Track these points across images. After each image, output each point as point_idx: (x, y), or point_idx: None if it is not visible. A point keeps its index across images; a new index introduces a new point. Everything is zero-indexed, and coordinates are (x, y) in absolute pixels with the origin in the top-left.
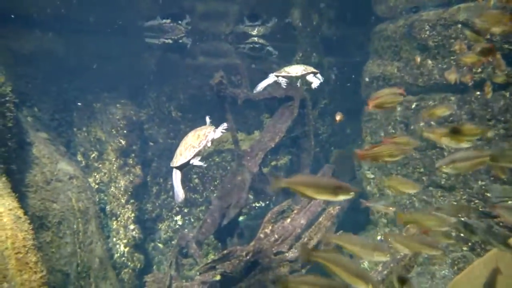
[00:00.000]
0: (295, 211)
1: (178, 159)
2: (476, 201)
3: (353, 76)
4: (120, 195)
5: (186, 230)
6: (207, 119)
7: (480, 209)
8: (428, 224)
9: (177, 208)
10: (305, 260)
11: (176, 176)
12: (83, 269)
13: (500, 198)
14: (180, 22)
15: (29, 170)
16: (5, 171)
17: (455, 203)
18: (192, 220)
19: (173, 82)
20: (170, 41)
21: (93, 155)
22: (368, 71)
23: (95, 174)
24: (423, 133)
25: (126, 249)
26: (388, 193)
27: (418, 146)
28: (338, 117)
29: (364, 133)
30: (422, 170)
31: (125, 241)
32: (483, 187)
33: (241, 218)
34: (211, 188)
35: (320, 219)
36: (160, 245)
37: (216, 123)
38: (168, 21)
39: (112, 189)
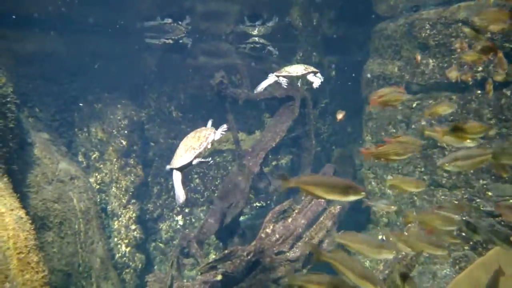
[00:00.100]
0: (296, 211)
1: (179, 160)
2: (478, 200)
3: (353, 75)
4: (121, 195)
5: (187, 230)
6: (209, 123)
7: (482, 208)
8: (436, 224)
9: (178, 208)
10: (317, 260)
11: (177, 177)
12: (84, 269)
13: (502, 197)
14: (180, 22)
15: (30, 170)
16: (6, 172)
17: (456, 202)
18: (193, 220)
19: (173, 82)
20: (171, 41)
21: (94, 155)
22: (369, 70)
23: (96, 175)
24: (425, 132)
25: (128, 249)
26: (388, 192)
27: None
28: (340, 116)
29: (365, 133)
30: (423, 169)
31: (126, 241)
32: (485, 186)
33: (242, 218)
34: (212, 188)
35: (321, 218)
36: (161, 245)
37: (216, 123)
38: (169, 21)
39: (113, 189)
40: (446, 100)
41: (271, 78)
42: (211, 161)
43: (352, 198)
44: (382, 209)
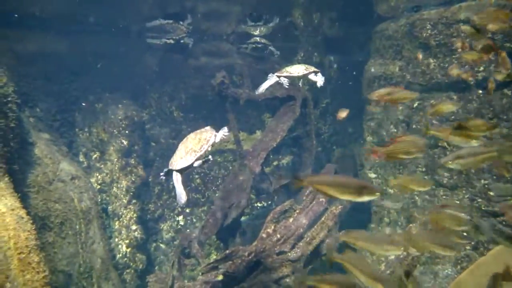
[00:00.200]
0: (297, 211)
1: (179, 162)
2: (479, 200)
3: (354, 73)
4: (122, 196)
5: (188, 230)
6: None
7: (483, 208)
8: (448, 224)
9: (179, 208)
10: (330, 261)
11: (177, 178)
12: (85, 269)
13: (503, 197)
14: (181, 22)
15: (31, 170)
16: (7, 171)
17: (457, 201)
18: (194, 220)
19: (174, 82)
20: (172, 41)
21: (95, 155)
22: (370, 70)
23: (97, 175)
24: (430, 131)
25: (128, 250)
26: (389, 192)
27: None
28: (343, 114)
29: (366, 133)
30: (424, 169)
31: (127, 241)
32: (486, 186)
33: (243, 218)
34: (213, 188)
35: (323, 218)
36: (162, 246)
37: (217, 123)
38: (170, 21)
39: (114, 190)
40: (448, 99)
41: (273, 79)
42: (211, 160)
43: (366, 198)
44: (392, 208)
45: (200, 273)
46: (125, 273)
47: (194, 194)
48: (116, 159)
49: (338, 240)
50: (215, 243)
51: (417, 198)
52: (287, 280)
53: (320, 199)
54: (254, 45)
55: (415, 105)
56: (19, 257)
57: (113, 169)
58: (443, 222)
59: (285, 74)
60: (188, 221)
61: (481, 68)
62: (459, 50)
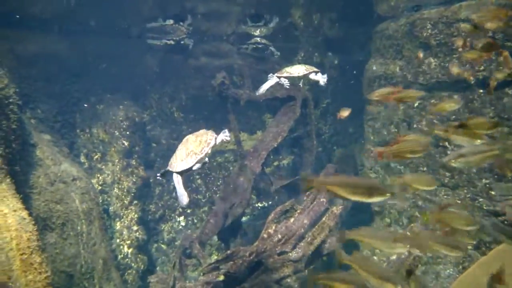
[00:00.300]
0: (298, 211)
1: (179, 164)
2: (481, 199)
3: (354, 73)
4: (123, 196)
5: (189, 231)
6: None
7: (485, 208)
8: (457, 224)
9: (180, 209)
10: (339, 262)
11: (178, 180)
12: (87, 270)
13: (505, 196)
14: (182, 23)
15: (33, 171)
16: (9, 173)
17: (458, 201)
18: (195, 221)
19: (175, 83)
20: (172, 42)
21: (96, 156)
22: (370, 70)
23: (98, 176)
24: (434, 131)
25: (130, 250)
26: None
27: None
28: (345, 113)
29: (367, 132)
30: (425, 168)
31: (128, 242)
32: (487, 185)
33: (244, 218)
34: (214, 188)
35: (324, 218)
36: (164, 246)
37: (218, 123)
38: (170, 22)
39: (115, 190)
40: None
41: (273, 80)
42: (208, 162)
43: (377, 199)
44: (399, 205)
45: (202, 274)
46: (126, 273)
47: (195, 195)
48: (117, 160)
49: (343, 238)
50: (216, 244)
51: (418, 198)
52: (288, 280)
53: (321, 199)
54: (254, 46)
55: (416, 104)
56: (21, 257)
57: (114, 170)
58: (450, 222)
59: (285, 74)
60: (189, 222)
61: (482, 68)
62: (460, 49)
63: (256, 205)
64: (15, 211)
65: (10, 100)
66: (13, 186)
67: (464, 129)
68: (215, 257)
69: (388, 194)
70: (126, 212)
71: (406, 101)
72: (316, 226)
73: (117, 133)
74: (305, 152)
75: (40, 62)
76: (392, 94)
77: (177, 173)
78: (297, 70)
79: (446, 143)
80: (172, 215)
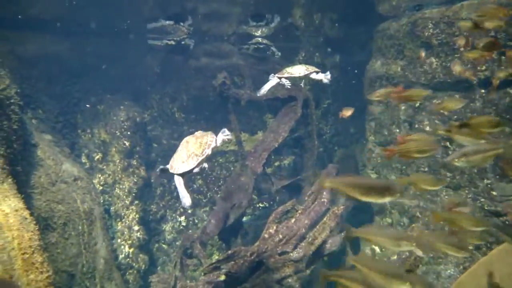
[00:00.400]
0: (299, 211)
1: (181, 166)
2: (482, 199)
3: (355, 72)
4: (124, 196)
5: (190, 231)
6: (222, 133)
7: (486, 208)
8: (464, 224)
9: (181, 209)
10: (349, 263)
11: (180, 182)
12: (88, 269)
13: (506, 197)
14: (182, 23)
15: (34, 171)
16: (11, 173)
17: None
18: (196, 221)
19: (176, 83)
20: (173, 43)
21: (97, 156)
22: (371, 70)
23: (100, 176)
24: (438, 131)
25: (131, 250)
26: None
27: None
28: (348, 112)
29: (368, 133)
30: (426, 169)
31: (129, 242)
32: (489, 185)
33: (245, 218)
34: (215, 188)
35: (325, 219)
36: (165, 246)
37: (219, 124)
38: (171, 22)
39: (116, 191)
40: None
41: (274, 80)
42: (206, 167)
43: (388, 199)
44: (408, 204)
45: (203, 273)
46: (127, 273)
47: (196, 195)
48: (118, 160)
49: (351, 236)
50: (217, 244)
51: (419, 198)
52: (289, 280)
53: (322, 199)
54: (256, 46)
55: (417, 104)
56: (23, 257)
57: (115, 170)
58: (461, 224)
59: (286, 75)
60: (190, 222)
61: (484, 68)
62: (461, 49)
63: (257, 205)
64: (16, 210)
65: (12, 101)
66: (15, 186)
67: (467, 128)
68: (216, 257)
69: (398, 195)
70: (127, 212)
71: (414, 100)
72: (317, 226)
73: (118, 133)
74: (306, 153)
75: (41, 63)
76: (398, 93)
77: (179, 175)
78: (298, 70)
79: (448, 143)
80: (173, 215)
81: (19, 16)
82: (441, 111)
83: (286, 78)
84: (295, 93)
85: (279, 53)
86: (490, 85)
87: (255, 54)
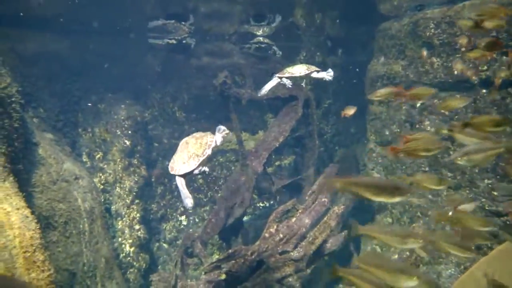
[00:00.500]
0: (300, 211)
1: (182, 167)
2: (483, 200)
3: (357, 70)
4: (125, 196)
5: (191, 230)
6: (219, 132)
7: (487, 208)
8: (468, 224)
9: (182, 208)
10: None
11: (182, 183)
12: (89, 268)
13: (507, 197)
14: (183, 22)
15: (35, 170)
16: (12, 171)
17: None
18: (196, 220)
19: (177, 83)
20: (174, 42)
21: (98, 155)
22: (373, 70)
23: (100, 175)
24: (442, 131)
25: (132, 249)
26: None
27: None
28: (350, 111)
29: (369, 132)
30: (427, 168)
31: (130, 241)
32: (490, 185)
33: (245, 217)
34: (216, 188)
35: (325, 218)
36: (165, 245)
37: (220, 123)
38: (172, 21)
39: (117, 190)
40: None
41: (275, 80)
42: (207, 171)
43: (398, 199)
44: (416, 202)
45: (203, 273)
46: (128, 272)
47: (197, 194)
48: (119, 159)
49: (356, 233)
50: (218, 243)
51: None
52: (290, 279)
53: (323, 199)
54: (257, 45)
55: (418, 104)
56: (24, 255)
57: (116, 169)
58: (466, 224)
59: (287, 74)
60: (191, 221)
61: (485, 68)
62: (463, 49)
63: (258, 204)
64: (18, 209)
65: (13, 99)
66: (16, 185)
67: (469, 128)
68: (217, 256)
69: (408, 194)
70: (128, 211)
71: (420, 99)
72: (318, 226)
73: (119, 132)
74: (307, 152)
75: (41, 61)
76: (403, 92)
77: (180, 176)
78: (299, 70)
79: (449, 143)
80: (174, 214)
81: (21, 14)
82: (445, 109)
83: (287, 77)
84: (296, 92)
85: (280, 52)
86: (491, 85)
87: (256, 54)
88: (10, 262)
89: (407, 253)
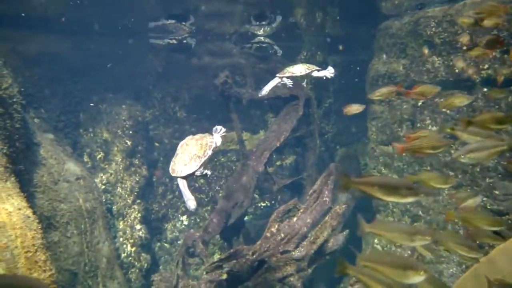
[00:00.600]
0: (301, 210)
1: (184, 168)
2: (484, 198)
3: (358, 69)
4: (126, 196)
5: (192, 229)
6: (216, 133)
7: (489, 207)
8: (479, 223)
9: (183, 208)
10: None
11: (184, 184)
12: (90, 268)
13: (509, 195)
14: (184, 22)
15: (36, 170)
16: (13, 172)
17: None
18: (198, 220)
19: (178, 83)
20: (175, 42)
21: (99, 156)
22: (374, 69)
23: (102, 175)
24: (446, 129)
25: (133, 249)
26: None
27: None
28: (353, 109)
29: (370, 132)
30: (428, 168)
31: (131, 241)
32: (491, 184)
33: (246, 217)
34: (217, 188)
35: (327, 218)
36: (167, 245)
37: (221, 123)
38: (173, 21)
39: (118, 190)
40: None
41: (275, 80)
42: (209, 174)
43: (410, 199)
44: (424, 200)
45: (205, 272)
46: (130, 272)
47: (198, 194)
48: (120, 159)
49: (364, 231)
50: (219, 243)
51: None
52: (291, 279)
53: (324, 199)
54: (258, 45)
55: (419, 103)
56: (26, 255)
57: (117, 169)
58: (476, 223)
59: (287, 74)
60: (192, 221)
61: (486, 66)
62: (464, 47)
63: (259, 204)
64: (19, 209)
65: (14, 100)
66: (18, 185)
67: (473, 126)
68: (218, 256)
69: (421, 195)
70: (129, 211)
71: (425, 97)
72: (319, 225)
73: (120, 133)
74: (308, 152)
75: (43, 62)
76: (408, 91)
77: (182, 177)
78: (299, 69)
79: (452, 141)
80: (175, 214)
81: (22, 14)
82: (447, 107)
83: (287, 77)
84: (296, 92)
85: (281, 52)
86: (493, 83)
87: (257, 53)
88: (12, 262)
89: (409, 252)
